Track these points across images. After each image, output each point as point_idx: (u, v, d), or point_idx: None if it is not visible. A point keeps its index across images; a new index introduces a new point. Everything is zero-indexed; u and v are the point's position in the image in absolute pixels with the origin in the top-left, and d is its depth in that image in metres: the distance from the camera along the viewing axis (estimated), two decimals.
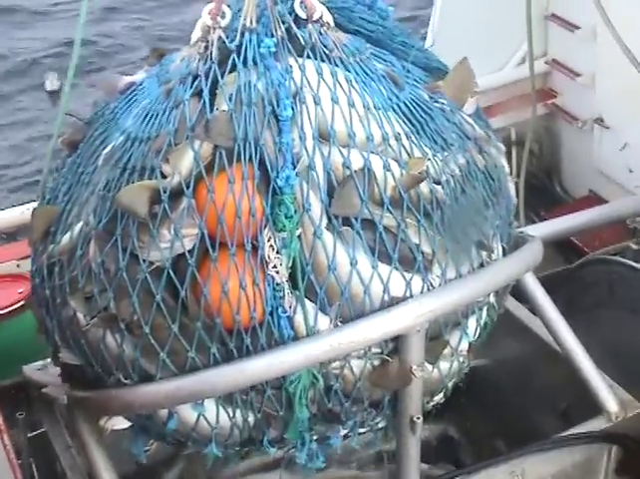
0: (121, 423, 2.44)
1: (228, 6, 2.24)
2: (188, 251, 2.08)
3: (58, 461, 2.82)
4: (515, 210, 2.57)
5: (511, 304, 3.04)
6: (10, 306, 4.23)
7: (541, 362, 3.10)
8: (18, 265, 4.81)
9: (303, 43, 2.21)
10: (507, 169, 2.54)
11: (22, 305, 4.20)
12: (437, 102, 2.34)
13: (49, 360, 2.75)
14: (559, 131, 4.99)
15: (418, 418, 2.34)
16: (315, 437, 2.33)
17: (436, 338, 2.30)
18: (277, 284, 2.08)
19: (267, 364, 2.11)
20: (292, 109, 2.11)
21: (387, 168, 2.14)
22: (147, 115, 2.24)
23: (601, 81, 4.66)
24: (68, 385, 2.48)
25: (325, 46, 2.23)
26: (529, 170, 4.63)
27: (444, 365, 2.36)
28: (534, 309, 2.95)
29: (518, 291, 2.85)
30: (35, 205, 4.08)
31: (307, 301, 2.12)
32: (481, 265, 2.32)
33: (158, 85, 2.32)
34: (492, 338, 2.54)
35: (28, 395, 3.03)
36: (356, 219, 2.11)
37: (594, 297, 3.43)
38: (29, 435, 3.01)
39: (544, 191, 4.99)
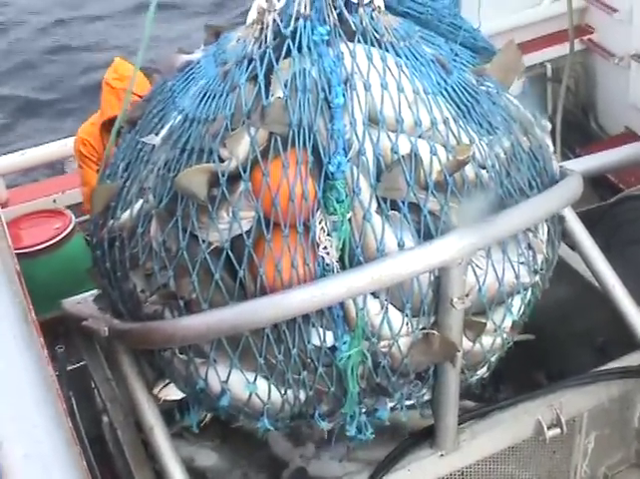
0: (174, 394, 2.55)
1: None
2: (246, 233, 2.17)
3: (97, 393, 2.86)
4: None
5: None
6: (47, 242, 4.33)
7: (579, 297, 3.09)
8: (54, 201, 4.89)
9: (354, 28, 2.26)
10: (552, 148, 2.57)
11: (59, 241, 4.34)
12: (483, 85, 2.39)
13: (88, 294, 2.82)
14: (595, 67, 4.97)
15: (458, 351, 2.36)
16: (364, 410, 2.43)
17: (480, 314, 2.37)
18: (327, 265, 2.17)
19: (309, 296, 2.13)
20: (343, 96, 2.17)
21: (434, 152, 2.21)
22: (204, 95, 2.32)
23: (639, 16, 4.64)
24: (110, 317, 2.51)
25: (376, 30, 2.28)
26: (565, 106, 4.62)
27: (486, 340, 2.43)
28: (573, 245, 2.93)
29: None
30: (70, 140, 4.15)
31: None
32: (529, 246, 2.38)
33: (214, 65, 2.39)
34: None
35: (67, 329, 3.02)
36: (403, 202, 2.18)
37: (631, 234, 3.45)
38: (68, 368, 3.04)
39: (580, 127, 4.98)
